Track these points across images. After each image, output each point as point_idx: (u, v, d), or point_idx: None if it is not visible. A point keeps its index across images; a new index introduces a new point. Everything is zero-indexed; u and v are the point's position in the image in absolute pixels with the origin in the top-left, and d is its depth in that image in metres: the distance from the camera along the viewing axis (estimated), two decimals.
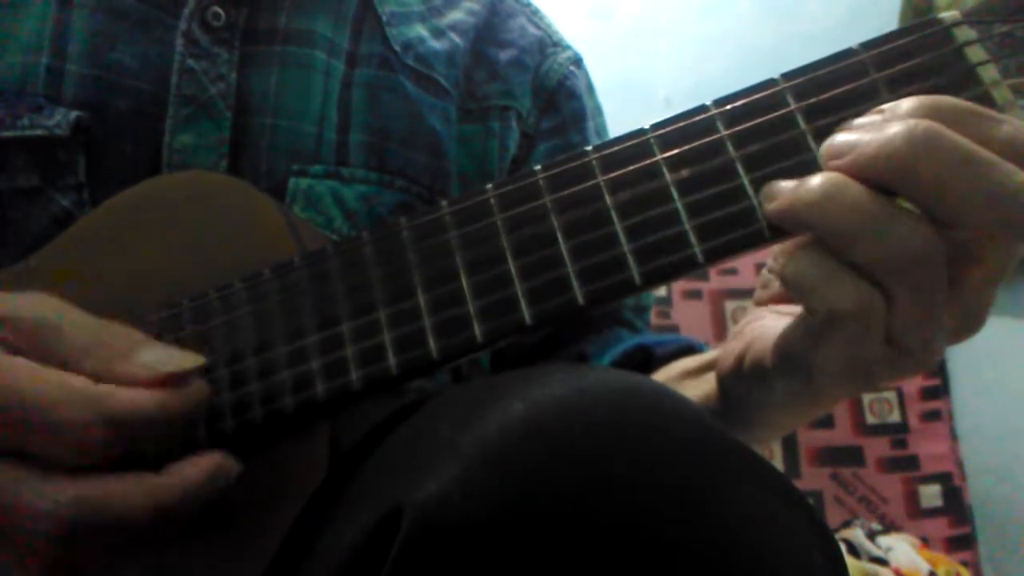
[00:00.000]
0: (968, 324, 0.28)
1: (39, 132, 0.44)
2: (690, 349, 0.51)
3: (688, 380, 0.45)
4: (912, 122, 0.25)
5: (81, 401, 0.27)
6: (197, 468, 0.29)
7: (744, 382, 0.35)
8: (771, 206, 0.28)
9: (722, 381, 0.38)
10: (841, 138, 0.27)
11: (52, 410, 0.27)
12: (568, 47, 0.62)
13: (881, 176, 0.26)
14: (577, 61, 0.62)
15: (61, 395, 0.27)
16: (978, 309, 0.28)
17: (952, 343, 0.29)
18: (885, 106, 0.27)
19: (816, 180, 0.27)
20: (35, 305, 0.30)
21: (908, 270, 0.26)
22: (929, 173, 0.25)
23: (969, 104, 0.26)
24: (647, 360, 0.52)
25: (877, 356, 0.28)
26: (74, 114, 0.44)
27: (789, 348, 0.31)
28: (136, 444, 0.29)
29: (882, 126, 0.26)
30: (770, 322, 0.35)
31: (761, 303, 0.38)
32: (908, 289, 0.26)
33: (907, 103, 0.26)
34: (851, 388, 0.30)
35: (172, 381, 0.29)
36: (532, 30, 0.60)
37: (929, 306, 0.26)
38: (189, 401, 0.30)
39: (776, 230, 0.28)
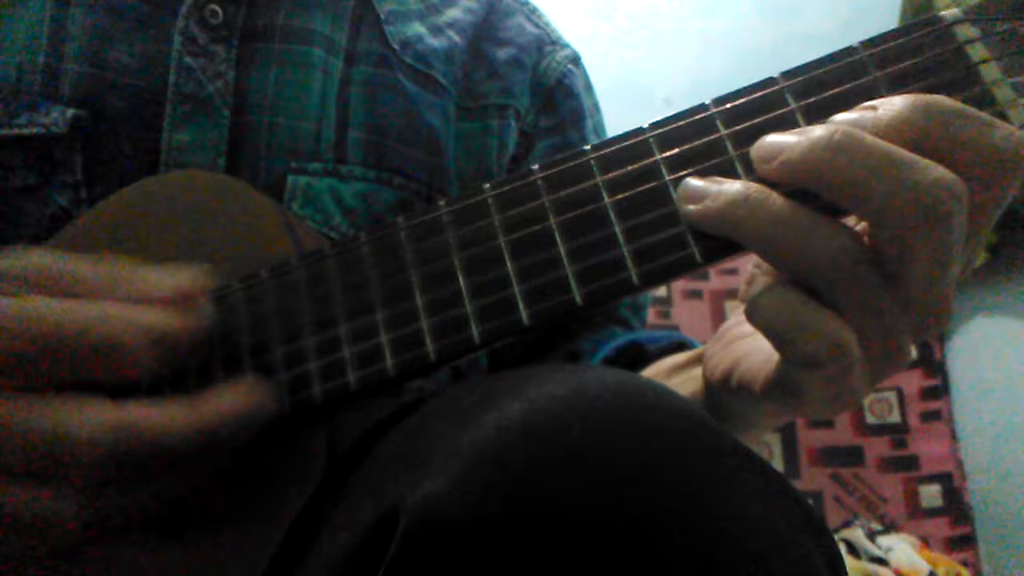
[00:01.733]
0: (925, 323, 0.28)
1: (36, 130, 0.44)
2: (681, 346, 0.52)
3: (676, 375, 0.45)
4: (832, 127, 0.26)
5: (123, 322, 0.28)
6: (232, 390, 0.30)
7: (732, 396, 0.36)
8: (691, 209, 0.28)
9: (709, 385, 0.38)
10: (770, 141, 0.28)
11: (89, 333, 0.28)
12: (566, 45, 0.62)
13: (805, 182, 0.26)
14: (575, 59, 0.62)
15: (94, 317, 0.28)
16: (933, 306, 0.28)
17: (920, 339, 0.29)
18: (877, 102, 0.27)
19: (737, 189, 0.27)
20: (30, 255, 0.31)
21: (835, 274, 0.26)
22: (847, 176, 0.25)
23: (962, 107, 0.26)
24: (639, 356, 0.52)
25: (861, 383, 0.28)
26: (71, 112, 0.44)
27: (776, 378, 0.31)
28: (168, 362, 0.30)
29: (805, 131, 0.27)
30: (760, 339, 0.35)
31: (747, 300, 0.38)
32: (847, 296, 0.26)
33: (900, 100, 0.26)
34: (841, 407, 0.30)
35: (186, 293, 0.31)
36: (530, 28, 0.60)
37: (875, 313, 0.27)
38: (207, 313, 0.31)
39: None
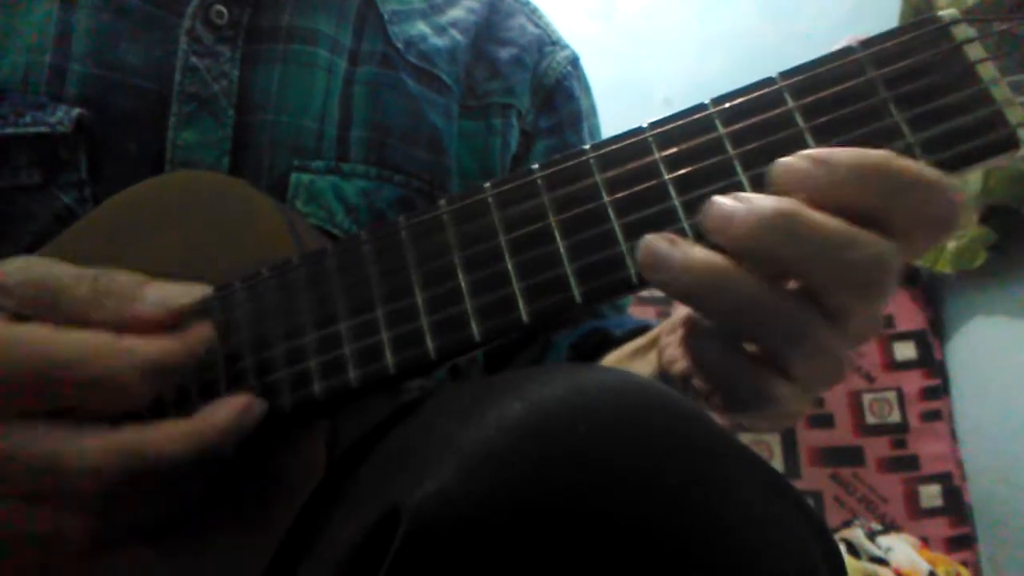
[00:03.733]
0: (859, 343, 0.29)
1: (41, 129, 0.44)
2: (645, 329, 0.52)
3: (636, 359, 0.46)
4: (772, 207, 0.26)
5: (112, 353, 0.28)
6: (227, 408, 0.30)
7: (692, 396, 0.36)
8: (646, 265, 0.28)
9: (665, 374, 0.39)
10: (717, 210, 0.27)
11: (86, 367, 0.28)
12: (566, 46, 0.62)
13: (752, 256, 0.27)
14: (574, 60, 0.62)
15: (89, 351, 0.28)
16: (868, 334, 0.29)
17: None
18: (825, 154, 0.27)
19: (700, 259, 0.27)
20: (26, 268, 0.31)
21: (787, 331, 0.27)
22: (788, 254, 0.26)
23: (908, 171, 0.26)
24: (604, 341, 0.53)
25: (801, 407, 0.29)
26: (76, 111, 0.44)
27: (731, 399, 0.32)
28: (165, 388, 0.30)
29: (752, 204, 0.27)
30: None
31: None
32: (795, 348, 0.27)
33: (845, 160, 0.26)
34: (783, 426, 0.31)
35: (183, 314, 0.30)
36: (531, 29, 0.61)
37: (821, 352, 0.27)
38: (204, 336, 0.31)
39: None
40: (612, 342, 0.52)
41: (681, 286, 0.27)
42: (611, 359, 0.51)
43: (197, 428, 0.29)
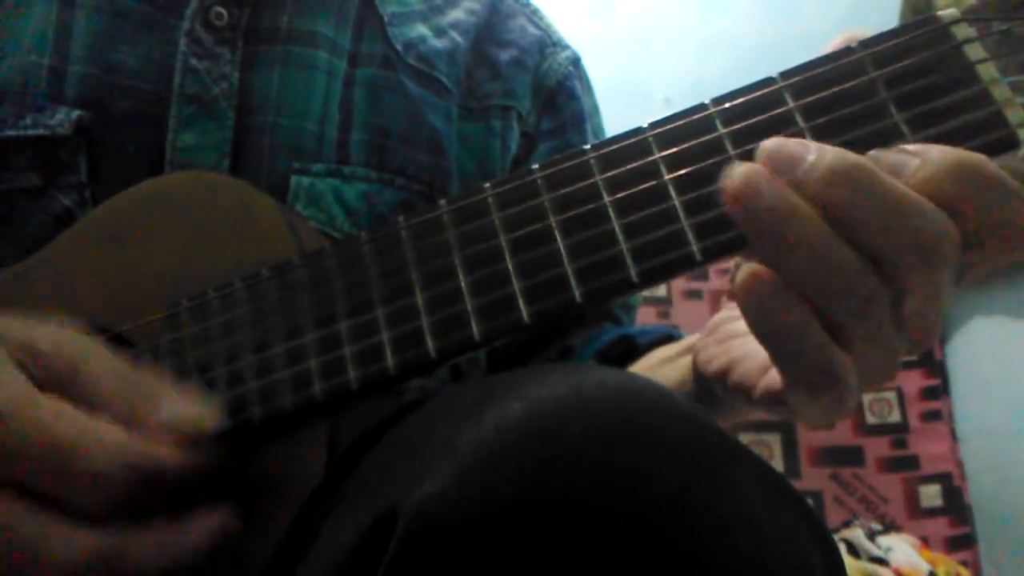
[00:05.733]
0: (914, 343, 0.28)
1: (41, 132, 0.44)
2: (670, 338, 0.53)
3: (666, 366, 0.46)
4: (851, 158, 0.26)
5: (114, 451, 0.28)
6: (205, 527, 0.30)
7: (726, 393, 0.36)
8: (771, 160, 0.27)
9: (700, 377, 0.39)
10: (789, 151, 0.26)
11: (79, 456, 0.27)
12: (567, 47, 0.62)
13: (821, 199, 0.26)
14: (576, 61, 0.62)
15: (89, 441, 0.27)
16: (925, 330, 0.28)
17: (908, 355, 0.30)
18: (919, 149, 0.27)
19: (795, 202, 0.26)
20: (62, 338, 0.30)
21: (852, 303, 0.26)
22: (861, 209, 0.25)
23: (1001, 181, 0.26)
24: (630, 349, 0.53)
25: (854, 399, 0.29)
26: (76, 114, 0.44)
27: (774, 393, 0.32)
28: (155, 496, 0.29)
29: (821, 151, 0.26)
30: (756, 343, 0.34)
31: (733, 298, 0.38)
32: (856, 325, 0.27)
33: (938, 158, 0.26)
34: (834, 420, 0.31)
35: (192, 439, 0.30)
36: (532, 30, 0.61)
37: (880, 338, 0.27)
38: (208, 455, 0.30)
39: None
40: (638, 351, 0.52)
41: (782, 207, 0.26)
42: (638, 368, 0.51)
43: (175, 541, 0.29)
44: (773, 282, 0.27)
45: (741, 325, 0.36)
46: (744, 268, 0.28)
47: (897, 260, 0.26)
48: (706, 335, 0.39)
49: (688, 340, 0.46)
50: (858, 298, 0.26)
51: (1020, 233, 0.26)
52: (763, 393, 0.32)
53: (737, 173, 0.26)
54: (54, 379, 0.29)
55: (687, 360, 0.42)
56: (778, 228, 0.26)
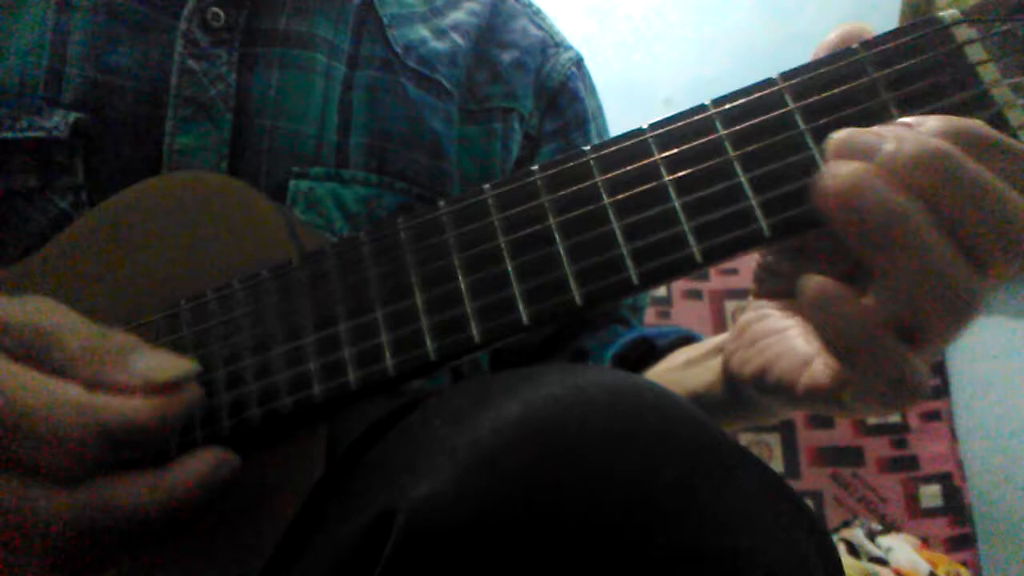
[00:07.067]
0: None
1: (38, 134, 0.44)
2: (689, 339, 0.52)
3: (692, 368, 0.45)
4: (937, 143, 0.25)
5: (74, 411, 0.27)
6: (200, 461, 0.30)
7: (764, 394, 0.35)
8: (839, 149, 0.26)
9: (731, 379, 0.38)
10: (864, 137, 0.26)
11: (44, 420, 0.27)
12: (570, 48, 0.62)
13: (910, 181, 0.25)
14: (578, 61, 0.61)
15: (53, 404, 0.27)
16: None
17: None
18: (909, 120, 0.26)
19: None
20: (33, 310, 0.30)
21: (929, 291, 0.25)
22: (951, 195, 0.25)
23: (994, 135, 0.26)
24: (649, 351, 0.52)
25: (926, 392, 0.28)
26: (73, 116, 0.44)
27: (822, 389, 0.31)
28: (132, 449, 0.29)
29: (918, 132, 0.25)
30: (792, 339, 0.34)
31: (760, 297, 0.38)
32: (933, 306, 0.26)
33: (932, 121, 0.26)
34: (886, 411, 0.30)
35: (165, 389, 0.29)
36: (534, 31, 0.60)
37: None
38: (183, 407, 0.30)
39: (775, 230, 0.28)
40: (656, 353, 0.52)
41: (895, 205, 0.25)
42: (660, 370, 0.50)
43: (167, 478, 0.29)
44: (846, 296, 0.26)
45: (771, 324, 0.35)
46: (812, 282, 0.26)
47: (986, 244, 0.25)
48: (734, 338, 0.38)
49: (712, 341, 0.45)
50: (965, 298, 0.25)
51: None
52: (806, 390, 0.31)
53: (843, 172, 0.25)
54: (26, 351, 0.29)
55: (716, 362, 0.41)
56: (890, 229, 0.25)
